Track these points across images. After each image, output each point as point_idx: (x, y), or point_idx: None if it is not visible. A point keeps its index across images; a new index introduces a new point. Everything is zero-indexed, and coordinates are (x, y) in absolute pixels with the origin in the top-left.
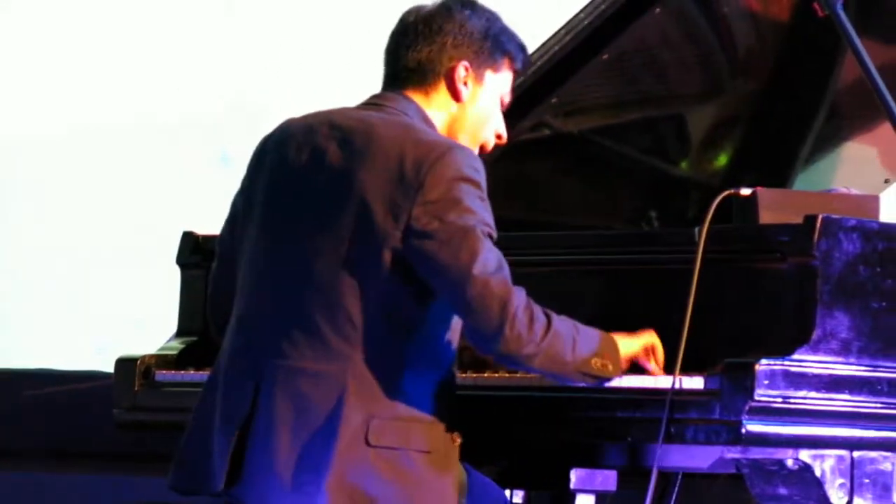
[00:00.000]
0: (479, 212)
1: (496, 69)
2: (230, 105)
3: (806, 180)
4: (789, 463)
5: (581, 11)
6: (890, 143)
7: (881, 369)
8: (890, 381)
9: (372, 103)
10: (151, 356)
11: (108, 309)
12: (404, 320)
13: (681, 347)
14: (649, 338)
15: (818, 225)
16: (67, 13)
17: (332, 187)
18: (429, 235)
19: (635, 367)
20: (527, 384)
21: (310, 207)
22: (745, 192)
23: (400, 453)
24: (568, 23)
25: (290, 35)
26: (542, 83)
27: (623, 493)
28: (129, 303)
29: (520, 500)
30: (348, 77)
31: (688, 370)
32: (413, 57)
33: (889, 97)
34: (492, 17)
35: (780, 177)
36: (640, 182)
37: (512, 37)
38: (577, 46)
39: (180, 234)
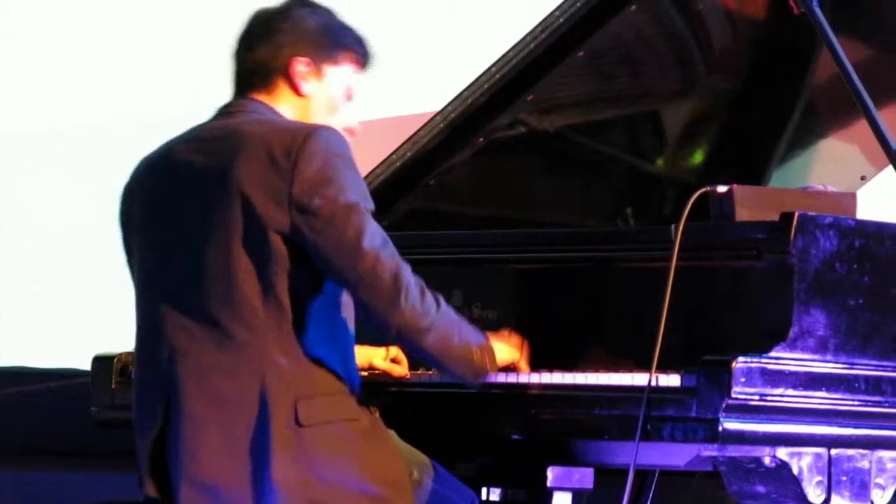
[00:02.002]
0: (356, 186)
1: (336, 62)
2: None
3: (782, 178)
4: (767, 461)
5: (556, 9)
6: (866, 140)
7: (858, 367)
8: (867, 379)
9: (224, 113)
10: (128, 354)
11: (85, 306)
12: (304, 301)
13: (657, 345)
14: (515, 351)
15: (794, 222)
16: (48, 12)
17: (208, 189)
18: (312, 213)
19: (608, 365)
20: (502, 381)
21: (190, 214)
22: (722, 189)
23: (333, 426)
24: (543, 20)
25: None
26: (517, 81)
27: (600, 490)
28: (105, 300)
29: (497, 498)
30: None
31: (664, 368)
32: (252, 58)
33: (865, 94)
34: (328, 14)
35: (756, 174)
36: (616, 179)
37: (349, 31)
38: (552, 44)
39: None
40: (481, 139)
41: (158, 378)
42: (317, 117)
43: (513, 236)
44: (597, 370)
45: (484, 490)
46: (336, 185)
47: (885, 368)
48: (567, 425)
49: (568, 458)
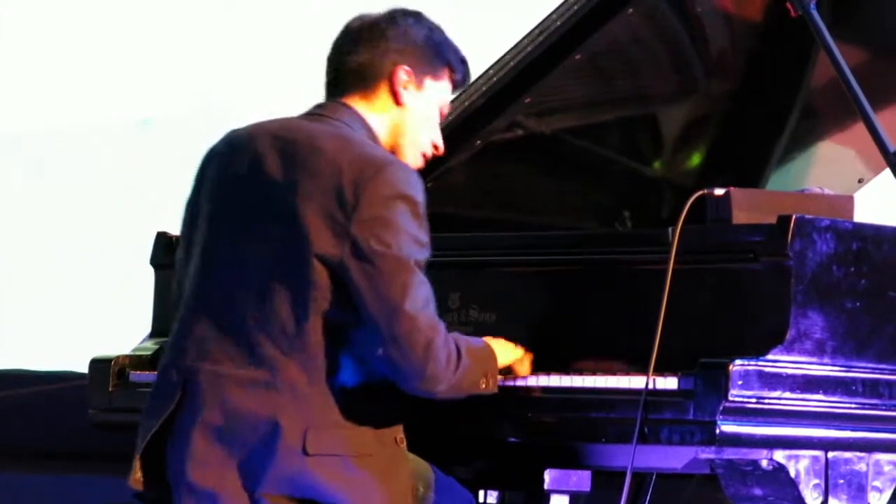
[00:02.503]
0: (414, 233)
1: (436, 77)
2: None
3: (779, 180)
4: (764, 463)
5: (554, 12)
6: (864, 142)
7: (855, 369)
8: (864, 382)
9: (315, 114)
10: (126, 357)
11: (83, 309)
12: (337, 330)
13: (654, 348)
14: (518, 353)
15: (792, 225)
16: (33, 14)
17: (272, 198)
18: (365, 256)
19: (605, 368)
20: (500, 384)
21: (248, 217)
22: (719, 192)
23: (340, 459)
24: (541, 23)
25: (258, 35)
26: (515, 83)
27: (597, 493)
28: (104, 303)
29: (494, 501)
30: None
31: (662, 370)
32: (354, 61)
33: (862, 97)
34: (434, 28)
35: (753, 177)
36: (613, 182)
37: (453, 48)
38: (550, 47)
39: (154, 235)
40: (479, 142)
41: (181, 368)
42: (409, 128)
43: (510, 239)
44: (594, 373)
45: (481, 493)
46: (394, 230)
47: (882, 371)
48: (564, 428)
49: (565, 461)
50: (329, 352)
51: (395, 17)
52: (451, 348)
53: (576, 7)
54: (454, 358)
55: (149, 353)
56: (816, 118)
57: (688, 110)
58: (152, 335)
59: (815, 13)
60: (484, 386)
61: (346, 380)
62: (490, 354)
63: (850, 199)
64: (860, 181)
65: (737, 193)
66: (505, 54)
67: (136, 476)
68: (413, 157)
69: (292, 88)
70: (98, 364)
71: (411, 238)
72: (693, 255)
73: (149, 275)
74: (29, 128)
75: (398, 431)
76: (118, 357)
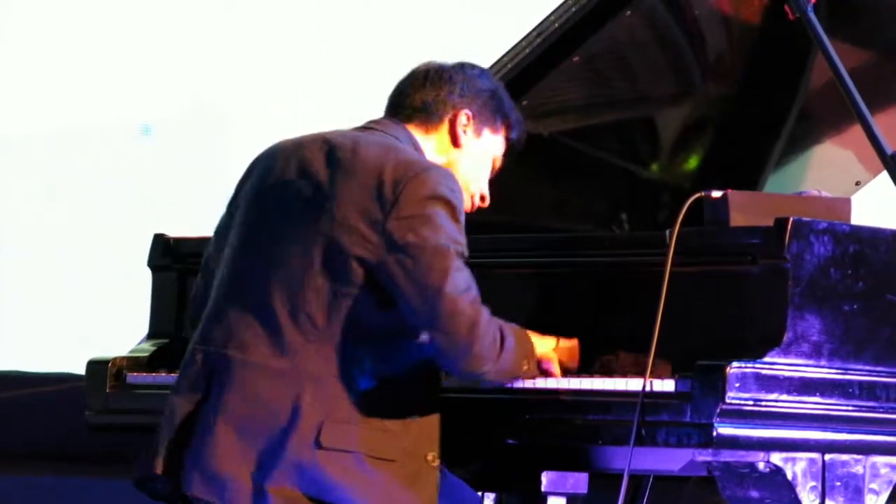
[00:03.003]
0: (451, 231)
1: (494, 130)
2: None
3: (777, 183)
4: (761, 466)
5: (552, 14)
6: (861, 145)
7: (852, 372)
8: (861, 384)
9: (367, 127)
10: (123, 358)
11: (81, 311)
12: (366, 327)
13: (651, 350)
14: (564, 344)
15: (789, 227)
16: (26, 16)
17: (312, 195)
18: (402, 250)
19: (602, 370)
20: (497, 387)
21: (288, 211)
22: (716, 194)
23: (352, 456)
24: (538, 25)
25: (258, 39)
26: (512, 85)
27: (594, 495)
28: (101, 305)
29: (491, 503)
30: (312, 84)
31: (659, 373)
32: (419, 97)
33: (860, 100)
34: (498, 85)
35: (750, 179)
36: (610, 184)
37: (513, 108)
38: (547, 49)
39: (151, 238)
40: None
41: (208, 355)
42: (462, 171)
43: (508, 241)
44: (591, 375)
45: (479, 495)
46: (432, 225)
47: (879, 374)
48: (561, 430)
49: (562, 463)
50: (356, 352)
51: (464, 66)
52: (494, 330)
53: (573, 9)
54: (499, 339)
55: (146, 354)
56: (814, 121)
57: (685, 113)
58: (149, 337)
59: (812, 16)
60: (526, 368)
61: (373, 380)
62: (527, 337)
63: (848, 201)
64: (857, 184)
65: (734, 196)
66: (502, 56)
67: (160, 459)
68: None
69: (292, 93)
70: (95, 366)
71: (449, 235)
72: (690, 257)
73: (146, 277)
74: (27, 131)
75: (432, 448)
76: (115, 359)
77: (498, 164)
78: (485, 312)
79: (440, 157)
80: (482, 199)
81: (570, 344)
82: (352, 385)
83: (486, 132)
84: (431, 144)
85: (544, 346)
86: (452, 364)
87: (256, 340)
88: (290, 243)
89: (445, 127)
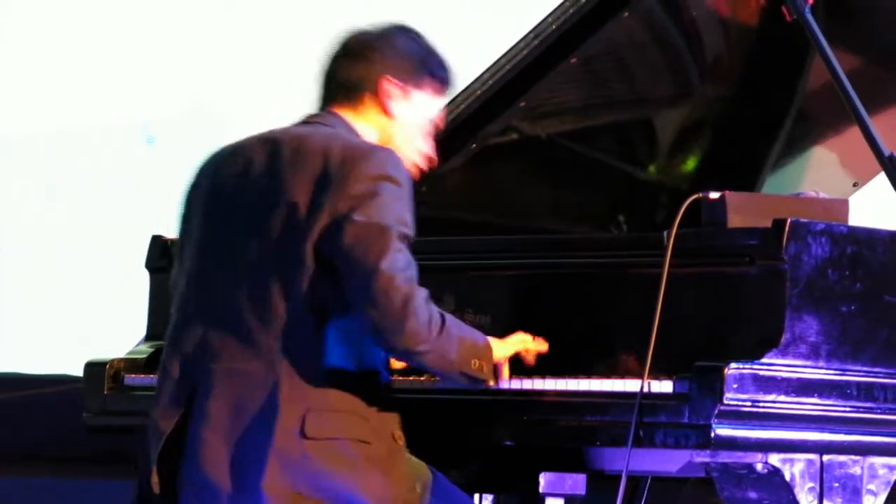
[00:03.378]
0: (398, 210)
1: (424, 90)
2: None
3: (775, 184)
4: (759, 467)
5: (549, 16)
6: (858, 146)
7: (850, 373)
8: (859, 385)
9: (304, 122)
10: (120, 360)
11: (78, 313)
12: (331, 316)
13: (650, 351)
14: (520, 342)
15: (787, 228)
16: (25, 17)
17: (261, 192)
18: (345, 226)
19: (600, 371)
20: (495, 388)
21: (240, 213)
22: (714, 195)
23: (338, 443)
24: (536, 27)
25: (258, 40)
26: (510, 87)
27: (592, 496)
28: (99, 307)
29: None
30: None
31: (657, 374)
32: (344, 74)
33: (857, 101)
34: (423, 43)
35: (748, 180)
36: (608, 186)
37: (441, 63)
38: (545, 50)
39: (149, 239)
40: (474, 145)
41: (185, 370)
42: (399, 138)
43: (505, 242)
44: (589, 376)
45: (476, 496)
46: (377, 204)
47: (876, 375)
48: (559, 431)
49: (560, 465)
50: (325, 340)
51: (387, 32)
52: (432, 311)
53: (571, 11)
54: (437, 320)
55: (144, 356)
56: (812, 122)
57: (683, 114)
58: (147, 338)
59: (810, 17)
60: (476, 367)
61: (342, 367)
62: (485, 341)
63: (845, 202)
64: (855, 185)
65: (732, 197)
66: (500, 58)
67: (154, 479)
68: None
69: (292, 94)
70: (93, 367)
71: (395, 214)
72: (688, 258)
73: (144, 278)
74: (25, 131)
75: (395, 427)
76: (113, 360)
77: (437, 121)
78: (421, 292)
79: (374, 130)
80: (428, 160)
81: (527, 344)
82: (326, 373)
83: (416, 94)
84: (365, 121)
85: (506, 347)
86: (387, 340)
87: (228, 346)
88: (245, 244)
89: (373, 99)
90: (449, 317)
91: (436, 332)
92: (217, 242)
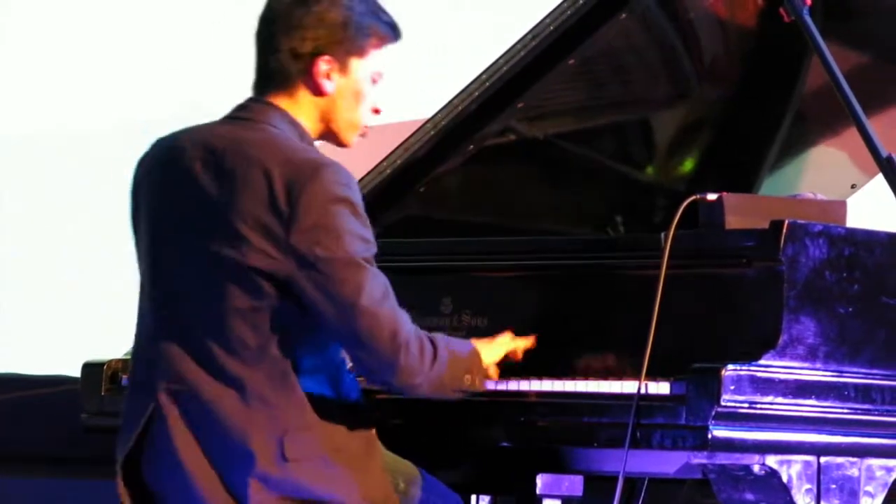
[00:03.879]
0: (358, 232)
1: (362, 54)
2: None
3: (772, 185)
4: (756, 468)
5: (547, 17)
6: (856, 148)
7: (848, 375)
8: (856, 387)
9: (240, 117)
10: (118, 360)
11: (76, 313)
12: (294, 335)
13: (647, 353)
14: (507, 343)
15: (784, 230)
16: (23, 19)
17: (209, 216)
18: (311, 266)
19: (597, 373)
20: (491, 389)
21: (190, 237)
22: (712, 197)
23: (320, 460)
24: (534, 28)
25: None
26: (508, 88)
27: (589, 498)
28: (96, 307)
29: None
30: None
31: (654, 375)
32: (275, 58)
33: (855, 102)
34: (349, 4)
35: (746, 182)
36: (606, 187)
37: (376, 15)
38: (543, 51)
39: None
40: (471, 146)
41: (147, 392)
42: (340, 112)
43: (503, 244)
44: (586, 377)
45: (473, 498)
46: (336, 233)
47: (874, 376)
48: (556, 433)
49: (557, 466)
50: (291, 359)
51: (308, 2)
52: (422, 339)
53: (569, 12)
54: (428, 349)
55: None
56: (809, 123)
57: (681, 115)
58: None
59: (808, 18)
60: (469, 382)
61: (310, 381)
62: (473, 351)
63: (843, 204)
64: (853, 186)
65: (729, 198)
66: (498, 59)
67: (125, 500)
68: (350, 137)
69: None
70: (90, 368)
71: (356, 237)
72: (686, 260)
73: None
74: (22, 132)
75: (370, 423)
76: (111, 361)
77: (382, 74)
78: (406, 321)
79: (314, 113)
80: (375, 111)
81: (516, 344)
82: (296, 394)
83: (354, 62)
84: (302, 104)
85: (494, 351)
86: (380, 379)
87: (195, 373)
88: (196, 268)
89: (307, 81)
90: (437, 338)
91: (429, 363)
92: (166, 269)
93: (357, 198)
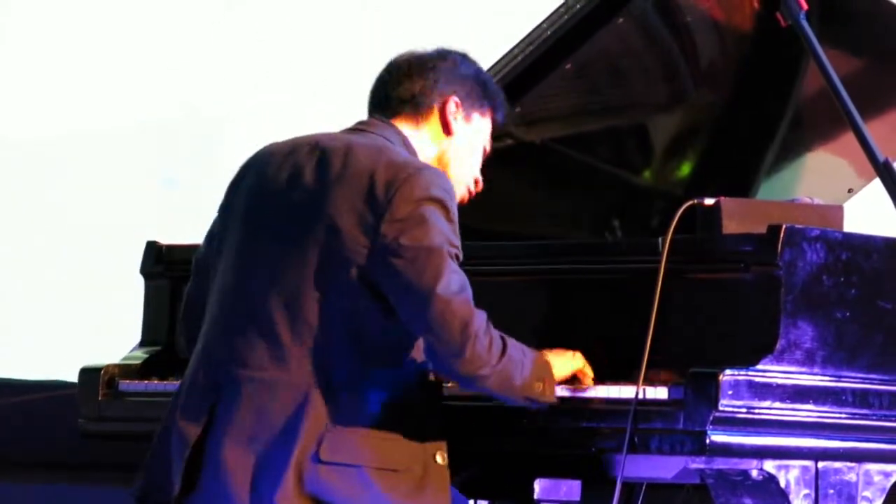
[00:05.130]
0: (446, 232)
1: (482, 113)
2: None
3: (769, 190)
4: (754, 473)
5: (544, 21)
6: (853, 153)
7: (845, 379)
8: (854, 392)
9: (357, 128)
10: (115, 366)
11: (73, 318)
12: (367, 335)
13: (644, 358)
14: (579, 362)
15: (782, 235)
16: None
17: (305, 203)
18: (395, 252)
19: (595, 377)
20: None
21: (283, 222)
22: (709, 201)
23: (355, 470)
24: (531, 33)
25: (249, 45)
26: (505, 92)
27: (587, 503)
28: (93, 312)
29: None
30: (306, 90)
31: (652, 380)
32: (406, 89)
33: (852, 107)
34: (480, 68)
35: (743, 186)
36: (603, 192)
37: (497, 89)
38: (540, 56)
39: (143, 244)
40: None
41: (212, 374)
42: (455, 158)
43: (499, 248)
44: (584, 382)
45: (471, 502)
46: (425, 227)
47: (871, 381)
48: (555, 437)
49: (555, 471)
50: (358, 358)
51: (444, 53)
52: (493, 335)
53: (566, 17)
54: (498, 344)
55: (138, 362)
56: (806, 128)
57: (678, 120)
58: (142, 344)
59: (804, 23)
60: (539, 390)
61: (374, 388)
62: (545, 360)
63: (840, 208)
64: (850, 191)
65: (727, 203)
66: (495, 63)
67: (177, 486)
68: (459, 189)
69: (285, 100)
70: (87, 373)
71: (442, 233)
72: (683, 264)
73: (138, 284)
74: (18, 137)
75: (440, 447)
76: (108, 366)
77: (488, 147)
78: (480, 315)
79: (433, 146)
80: (476, 183)
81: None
82: (354, 393)
83: (476, 116)
84: (422, 136)
85: (564, 366)
86: (447, 367)
87: (259, 354)
88: (286, 254)
89: (435, 116)
90: (510, 339)
91: (496, 356)
92: (256, 251)
93: (452, 204)
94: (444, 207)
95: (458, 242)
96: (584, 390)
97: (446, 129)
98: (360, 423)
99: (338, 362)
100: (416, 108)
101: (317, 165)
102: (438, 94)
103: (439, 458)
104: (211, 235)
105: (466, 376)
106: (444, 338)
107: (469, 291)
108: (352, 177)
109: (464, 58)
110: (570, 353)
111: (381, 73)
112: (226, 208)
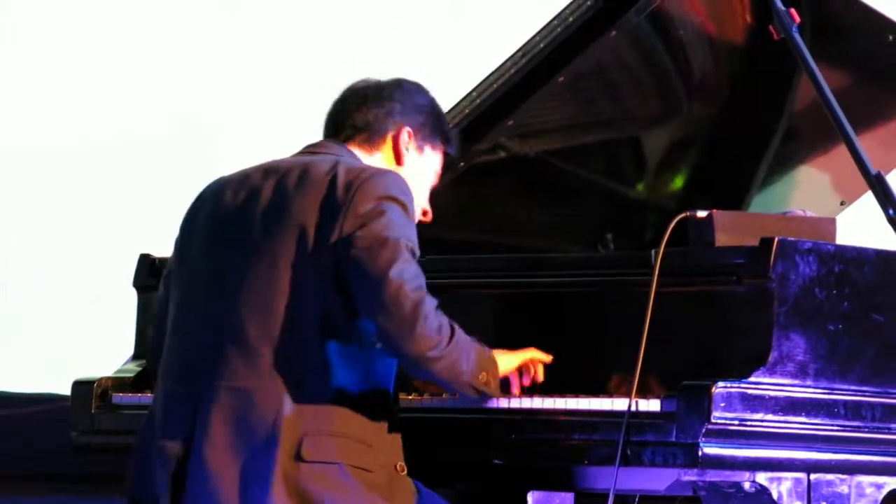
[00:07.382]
0: (404, 227)
1: (434, 146)
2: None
3: (762, 203)
4: (746, 485)
5: (537, 34)
6: (845, 165)
7: (838, 392)
8: (846, 404)
9: (309, 151)
10: (108, 378)
11: (66, 331)
12: (339, 338)
13: (637, 370)
14: (527, 356)
15: (774, 247)
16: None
17: (269, 213)
18: (354, 244)
19: (588, 390)
20: (482, 406)
21: (248, 234)
22: (702, 214)
23: (334, 467)
24: (524, 45)
25: (241, 59)
26: (498, 105)
27: None
28: (86, 325)
29: None
30: (299, 101)
31: (644, 393)
32: (361, 117)
33: (844, 120)
34: (434, 99)
35: (736, 199)
36: (596, 204)
37: (448, 123)
38: (533, 69)
39: (136, 257)
40: (462, 163)
41: (188, 390)
42: None
43: (493, 261)
44: (576, 395)
45: None
46: (384, 221)
47: (864, 393)
48: (547, 450)
49: (548, 483)
50: (331, 363)
51: (401, 82)
52: (443, 320)
53: (559, 30)
54: (447, 328)
55: (131, 374)
56: (798, 141)
57: (671, 133)
58: (135, 357)
59: (797, 36)
60: (483, 380)
61: (347, 391)
62: (490, 354)
63: (833, 221)
64: (842, 204)
65: (719, 216)
66: (489, 76)
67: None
68: None
69: (278, 111)
70: (80, 386)
71: (400, 228)
72: (676, 277)
73: (131, 297)
74: (10, 150)
75: (399, 458)
76: (101, 379)
77: (437, 179)
78: (431, 300)
79: None
80: (424, 213)
81: (534, 357)
82: (330, 396)
83: (427, 149)
84: (375, 162)
85: (510, 361)
86: (397, 346)
87: (234, 365)
88: (254, 264)
89: (388, 145)
90: (458, 328)
91: (446, 340)
92: (225, 265)
93: (411, 204)
94: (402, 204)
95: (415, 240)
96: (576, 401)
97: (398, 158)
98: (335, 425)
99: (312, 368)
100: (370, 135)
101: (275, 184)
102: (393, 124)
103: (399, 468)
104: (168, 274)
105: (415, 356)
106: (395, 317)
107: (423, 281)
108: (312, 184)
109: (419, 88)
110: (518, 352)
111: (337, 99)
112: (180, 241)
